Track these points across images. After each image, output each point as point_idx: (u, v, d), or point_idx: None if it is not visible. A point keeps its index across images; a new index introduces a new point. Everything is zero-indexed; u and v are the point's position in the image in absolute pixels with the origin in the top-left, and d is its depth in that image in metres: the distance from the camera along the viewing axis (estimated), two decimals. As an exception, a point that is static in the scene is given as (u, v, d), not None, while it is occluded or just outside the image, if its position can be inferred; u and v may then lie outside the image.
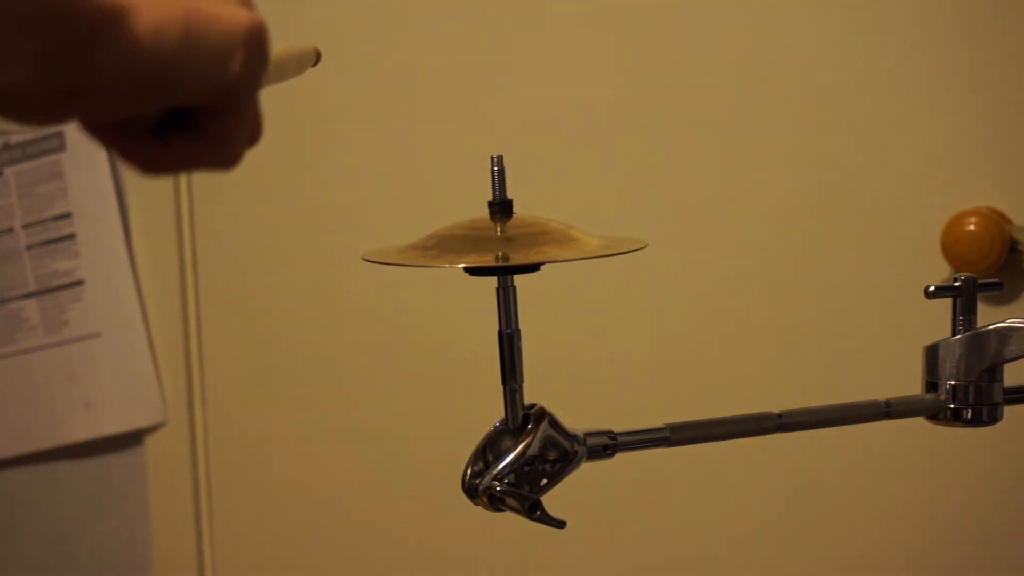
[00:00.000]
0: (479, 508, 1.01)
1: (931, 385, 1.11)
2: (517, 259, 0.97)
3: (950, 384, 1.11)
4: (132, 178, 2.10)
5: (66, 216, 2.13)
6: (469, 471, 1.00)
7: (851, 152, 1.73)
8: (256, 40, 0.67)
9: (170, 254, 2.08)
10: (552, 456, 1.00)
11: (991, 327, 1.10)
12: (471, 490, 1.00)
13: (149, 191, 2.09)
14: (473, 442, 1.01)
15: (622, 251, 1.01)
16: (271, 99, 2.22)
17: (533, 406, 1.01)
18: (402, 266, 0.99)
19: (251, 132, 0.71)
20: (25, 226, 2.16)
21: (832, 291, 1.76)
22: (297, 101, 2.00)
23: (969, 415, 1.11)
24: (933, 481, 1.74)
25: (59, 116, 0.64)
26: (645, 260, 1.27)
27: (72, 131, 2.12)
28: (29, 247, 2.16)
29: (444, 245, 1.00)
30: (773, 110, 1.76)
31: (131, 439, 2.15)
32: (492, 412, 1.02)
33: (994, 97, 1.67)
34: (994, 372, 1.10)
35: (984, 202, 1.67)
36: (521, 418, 1.01)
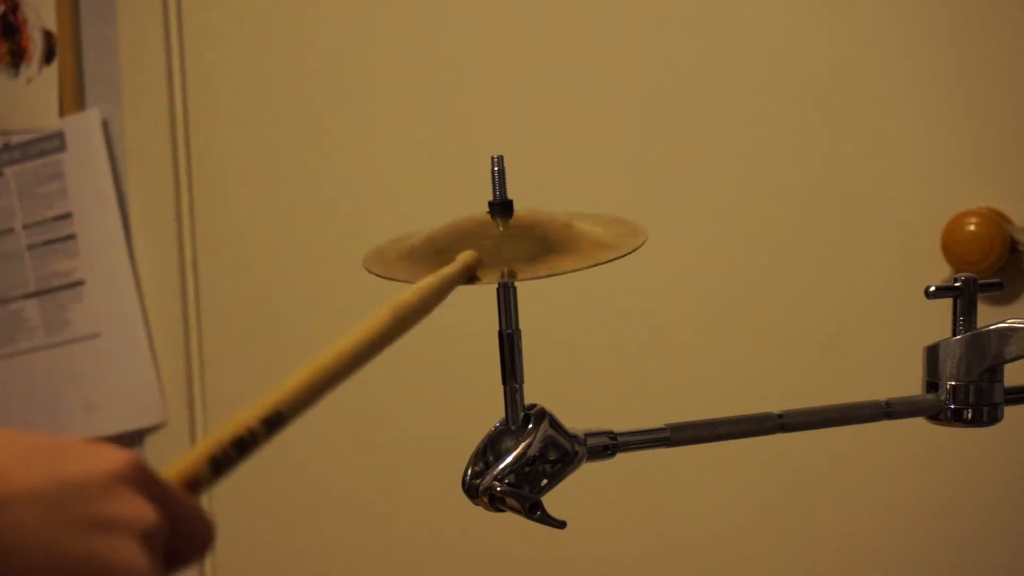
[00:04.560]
0: (479, 508, 1.01)
1: (931, 385, 1.11)
2: (524, 273, 0.97)
3: (950, 384, 1.10)
4: (132, 178, 2.10)
5: (66, 216, 2.13)
6: (470, 471, 1.00)
7: (851, 152, 1.73)
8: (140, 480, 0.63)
9: (170, 254, 2.08)
10: (552, 456, 1.00)
11: (991, 327, 1.10)
12: (471, 490, 1.00)
13: (149, 191, 2.09)
14: (473, 442, 1.01)
15: (622, 252, 1.01)
16: (271, 99, 2.22)
17: (533, 406, 1.01)
18: (404, 282, 1.00)
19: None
20: (25, 226, 2.16)
21: (832, 291, 1.76)
22: (297, 101, 2.01)
23: (969, 415, 1.11)
24: (933, 481, 1.74)
25: None
26: (645, 260, 1.27)
27: (72, 131, 2.12)
28: (29, 247, 2.16)
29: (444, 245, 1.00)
30: (773, 110, 1.76)
31: (131, 439, 2.15)
32: (492, 412, 1.02)
33: (994, 97, 1.67)
34: (994, 372, 1.10)
35: (984, 202, 1.67)
36: (521, 418, 1.01)
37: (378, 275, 1.01)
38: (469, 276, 0.91)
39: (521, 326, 1.01)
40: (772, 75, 1.76)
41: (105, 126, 2.11)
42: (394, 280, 1.00)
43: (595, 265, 0.99)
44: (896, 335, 1.72)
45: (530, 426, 1.00)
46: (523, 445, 1.00)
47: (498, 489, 0.98)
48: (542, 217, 1.02)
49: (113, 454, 0.62)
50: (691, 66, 1.80)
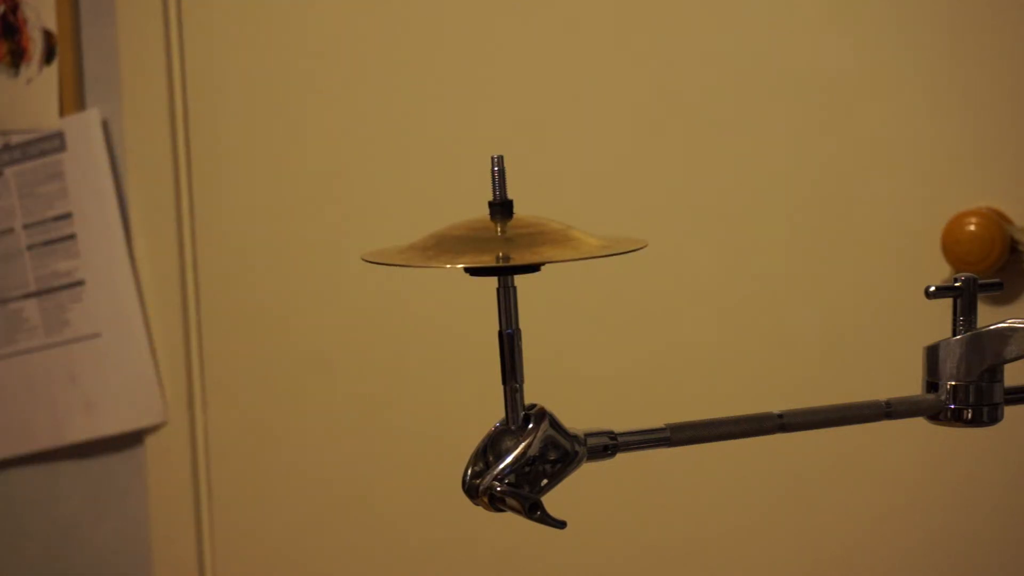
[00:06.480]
0: (479, 508, 1.01)
1: (931, 385, 1.11)
2: (517, 259, 0.97)
3: (950, 384, 1.10)
4: (132, 178, 2.10)
5: (66, 216, 2.13)
6: (470, 471, 1.00)
7: (851, 152, 1.73)
8: None
9: (170, 254, 2.08)
10: (552, 456, 1.00)
11: (991, 327, 1.10)
12: (471, 490, 1.00)
13: (149, 191, 2.09)
14: (473, 442, 1.01)
15: (622, 251, 1.01)
16: (271, 99, 2.22)
17: (533, 406, 1.01)
18: (402, 266, 0.99)
19: None
20: (25, 226, 2.16)
21: (832, 291, 1.76)
22: (297, 101, 2.01)
23: (969, 415, 1.11)
24: (933, 481, 1.74)
25: None
26: (645, 260, 1.27)
27: (72, 131, 2.12)
28: (30, 247, 2.16)
29: (444, 245, 1.00)
30: (773, 110, 1.76)
31: (131, 439, 2.15)
32: (492, 412, 1.02)
33: (994, 97, 1.67)
34: (994, 372, 1.10)
35: (984, 202, 1.68)
36: (521, 418, 1.01)
37: (375, 262, 1.01)
38: None
39: (521, 326, 1.01)
40: (772, 77, 1.76)
41: (105, 126, 2.11)
42: (392, 265, 0.99)
43: (590, 258, 0.99)
44: (896, 335, 1.72)
45: (530, 426, 1.00)
46: (523, 445, 1.00)
47: (498, 489, 0.98)
48: (541, 220, 1.02)
49: None
50: (691, 68, 1.80)
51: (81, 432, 2.16)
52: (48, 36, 2.12)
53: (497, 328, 1.00)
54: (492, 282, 1.01)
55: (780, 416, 1.07)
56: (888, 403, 1.10)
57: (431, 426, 1.97)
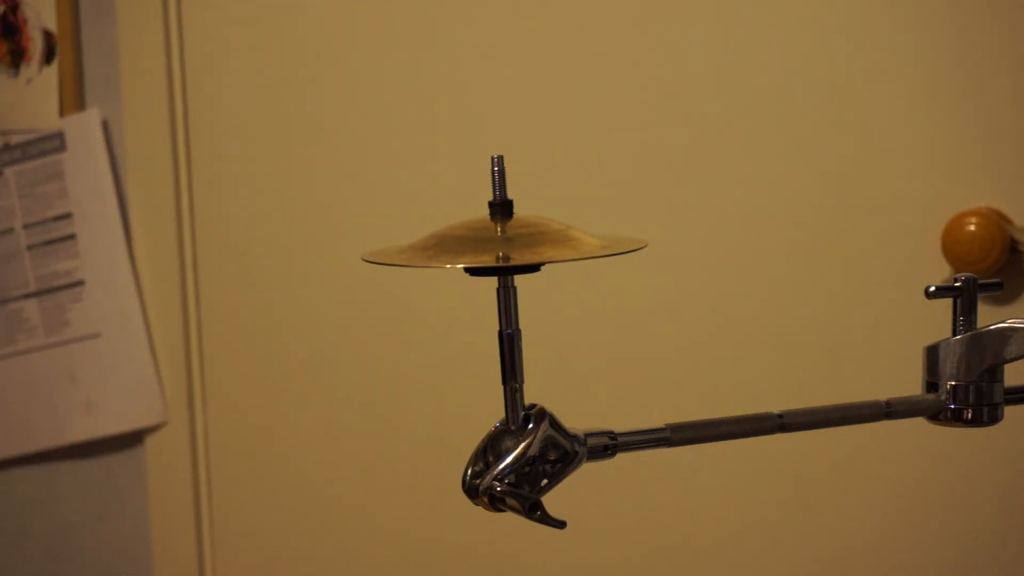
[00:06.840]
0: (479, 508, 1.01)
1: (931, 385, 1.11)
2: (517, 259, 0.97)
3: (950, 384, 1.10)
4: (132, 178, 2.10)
5: (66, 216, 2.13)
6: (470, 471, 1.00)
7: (851, 152, 1.73)
8: None
9: (170, 254, 2.08)
10: (552, 456, 1.00)
11: (991, 327, 1.10)
12: (472, 490, 1.00)
13: (149, 191, 2.09)
14: (473, 442, 1.01)
15: (622, 251, 1.01)
16: (271, 99, 2.22)
17: (533, 406, 1.01)
18: (402, 266, 0.99)
19: None
20: (25, 226, 2.16)
21: (832, 291, 1.76)
22: (297, 101, 2.01)
23: (969, 415, 1.11)
24: (933, 481, 1.74)
25: None
26: (645, 260, 1.27)
27: (72, 131, 2.12)
28: (29, 247, 2.16)
29: (444, 245, 1.00)
30: (773, 110, 1.76)
31: (131, 439, 2.15)
32: (492, 412, 1.02)
33: (995, 97, 1.67)
34: (994, 372, 1.10)
35: (984, 202, 1.68)
36: (521, 418, 1.01)
37: (375, 262, 1.01)
38: None
39: (521, 326, 1.01)
40: (772, 77, 1.76)
41: (105, 126, 2.11)
42: (391, 265, 0.99)
43: (590, 258, 0.99)
44: (896, 335, 1.72)
45: (530, 426, 1.00)
46: (523, 445, 1.00)
47: (498, 489, 0.98)
48: (541, 220, 1.02)
49: None
50: (690, 68, 1.80)
51: (81, 432, 2.15)
52: (48, 36, 2.12)
53: (497, 328, 1.00)
54: (492, 282, 1.01)
55: (780, 416, 1.07)
56: (888, 403, 1.10)
57: (431, 426, 1.97)
